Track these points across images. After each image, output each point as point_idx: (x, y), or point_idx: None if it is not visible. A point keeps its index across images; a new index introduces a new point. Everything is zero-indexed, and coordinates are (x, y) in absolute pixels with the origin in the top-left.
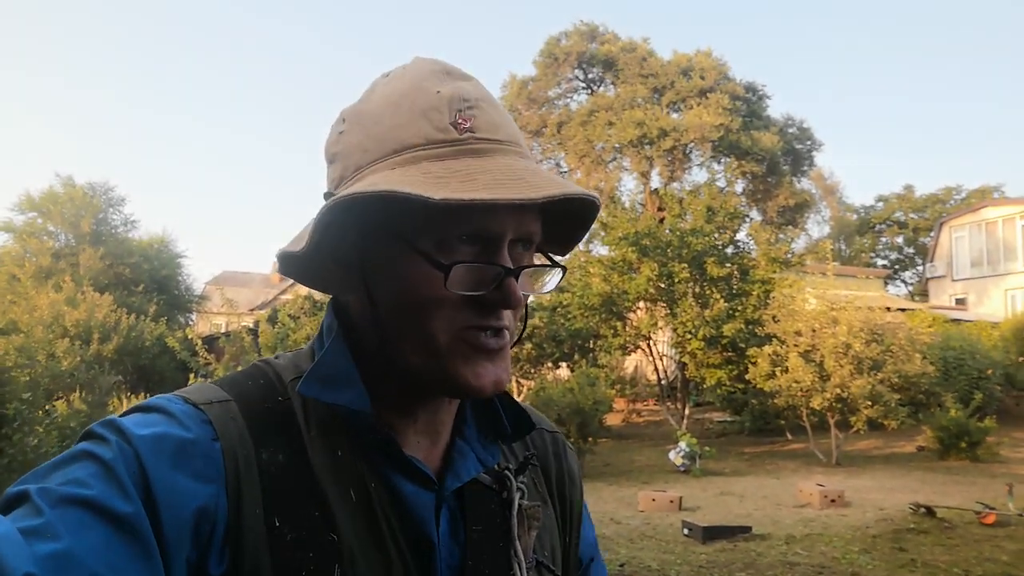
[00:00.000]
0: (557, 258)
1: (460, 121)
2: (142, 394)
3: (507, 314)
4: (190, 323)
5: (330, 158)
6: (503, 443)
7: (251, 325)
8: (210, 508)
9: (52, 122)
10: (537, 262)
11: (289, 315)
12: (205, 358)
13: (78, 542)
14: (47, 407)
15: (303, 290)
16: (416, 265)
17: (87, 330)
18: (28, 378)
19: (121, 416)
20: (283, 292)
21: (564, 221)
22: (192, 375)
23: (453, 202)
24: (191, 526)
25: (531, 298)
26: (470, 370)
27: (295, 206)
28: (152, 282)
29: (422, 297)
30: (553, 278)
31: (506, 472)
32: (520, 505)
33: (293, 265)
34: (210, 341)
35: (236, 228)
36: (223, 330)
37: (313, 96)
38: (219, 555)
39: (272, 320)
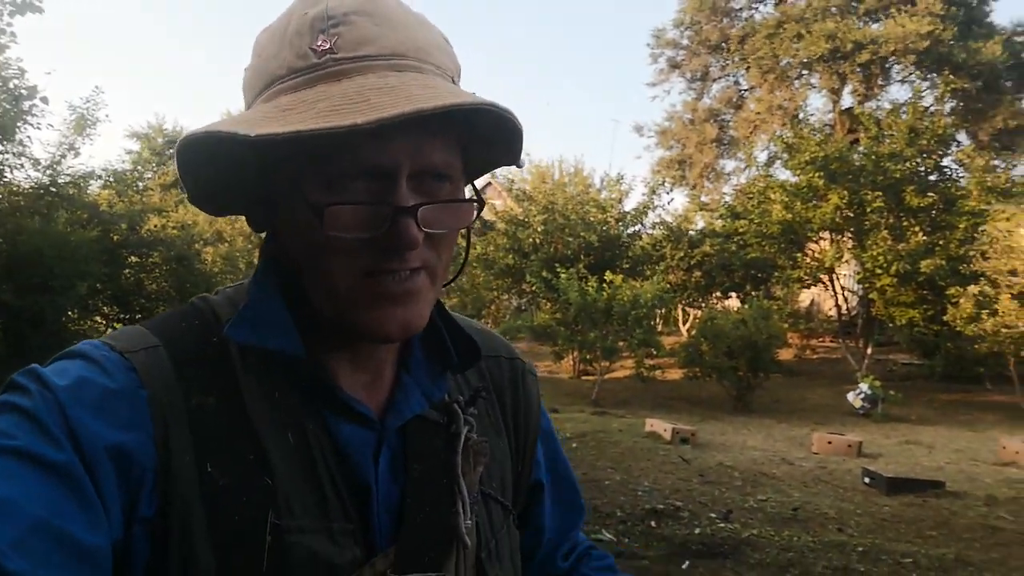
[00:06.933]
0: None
1: (320, 43)
2: None
3: (418, 253)
4: None
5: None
6: (452, 373)
7: None
8: (135, 455)
9: None
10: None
11: None
12: None
13: (13, 489)
14: None
15: None
16: (301, 208)
17: None
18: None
19: (47, 364)
20: None
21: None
22: None
23: (266, 137)
24: (117, 472)
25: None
26: (373, 316)
27: None
28: None
29: (314, 242)
30: (473, 211)
31: (455, 405)
32: (467, 439)
33: (208, 203)
34: None
35: None
36: None
37: None
38: (148, 499)
39: None
